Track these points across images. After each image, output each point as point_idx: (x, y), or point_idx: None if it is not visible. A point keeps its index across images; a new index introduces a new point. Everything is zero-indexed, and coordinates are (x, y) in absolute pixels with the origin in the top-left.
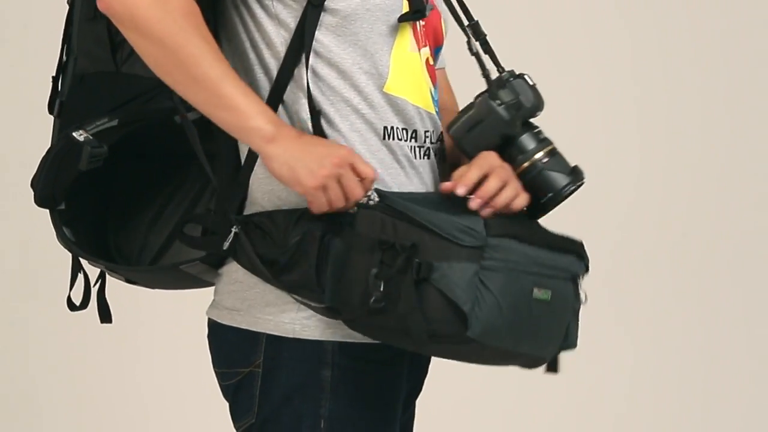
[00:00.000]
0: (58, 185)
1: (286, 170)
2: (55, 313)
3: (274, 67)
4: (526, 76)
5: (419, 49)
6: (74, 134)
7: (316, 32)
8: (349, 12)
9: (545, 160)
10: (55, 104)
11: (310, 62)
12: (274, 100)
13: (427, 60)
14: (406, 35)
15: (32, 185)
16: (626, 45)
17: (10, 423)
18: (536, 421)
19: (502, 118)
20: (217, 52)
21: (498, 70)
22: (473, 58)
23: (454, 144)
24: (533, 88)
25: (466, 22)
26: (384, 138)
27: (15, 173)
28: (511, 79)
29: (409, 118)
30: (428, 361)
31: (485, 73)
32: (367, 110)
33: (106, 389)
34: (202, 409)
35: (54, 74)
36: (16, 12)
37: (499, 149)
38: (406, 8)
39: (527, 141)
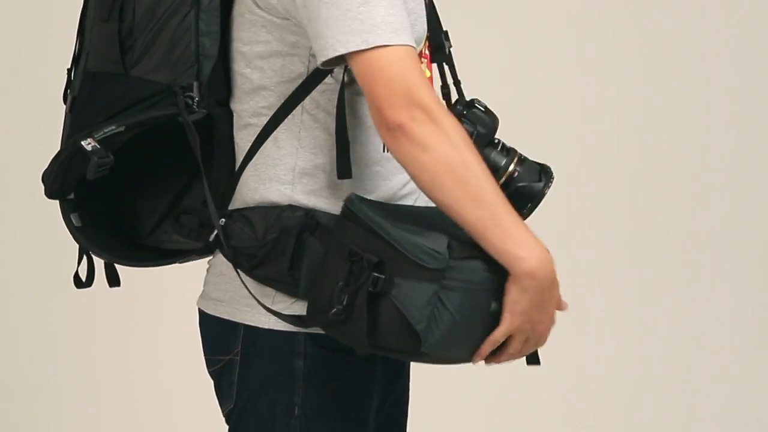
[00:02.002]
0: (67, 182)
1: (524, 305)
2: (62, 307)
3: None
4: (476, 103)
5: (428, 67)
6: (83, 143)
7: None
8: None
9: (516, 173)
10: (67, 97)
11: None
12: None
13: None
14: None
15: (43, 180)
16: (610, 46)
17: (19, 416)
18: (521, 411)
19: None
20: (489, 174)
21: (454, 83)
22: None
23: None
24: (485, 111)
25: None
26: (384, 150)
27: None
28: (465, 111)
29: None
30: None
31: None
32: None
33: (113, 381)
34: (203, 396)
35: (68, 66)
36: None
37: None
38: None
39: (497, 159)
